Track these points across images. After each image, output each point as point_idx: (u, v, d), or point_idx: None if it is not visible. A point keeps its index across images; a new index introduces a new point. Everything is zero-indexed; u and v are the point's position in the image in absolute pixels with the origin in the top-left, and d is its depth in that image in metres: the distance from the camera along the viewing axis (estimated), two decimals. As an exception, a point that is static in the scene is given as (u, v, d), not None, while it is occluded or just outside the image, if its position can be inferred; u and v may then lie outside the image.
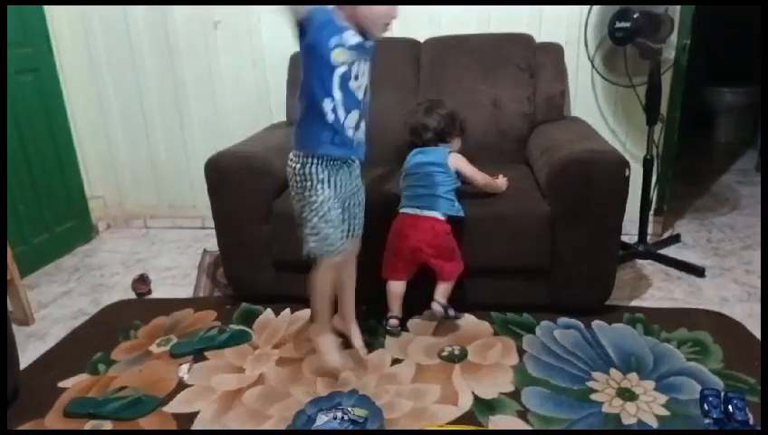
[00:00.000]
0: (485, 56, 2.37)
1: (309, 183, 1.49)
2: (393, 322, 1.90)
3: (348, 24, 1.41)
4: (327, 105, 1.42)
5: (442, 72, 2.39)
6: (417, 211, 1.88)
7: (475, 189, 1.94)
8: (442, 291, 1.87)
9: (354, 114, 1.47)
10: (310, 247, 1.54)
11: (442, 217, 1.86)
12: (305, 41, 1.39)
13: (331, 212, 1.50)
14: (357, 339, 1.77)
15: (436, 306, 1.85)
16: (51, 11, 2.71)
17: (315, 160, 1.49)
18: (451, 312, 1.85)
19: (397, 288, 1.92)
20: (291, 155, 1.55)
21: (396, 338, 1.88)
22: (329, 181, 1.49)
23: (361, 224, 1.67)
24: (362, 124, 1.52)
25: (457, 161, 1.94)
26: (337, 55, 1.38)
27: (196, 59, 2.74)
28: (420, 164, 1.94)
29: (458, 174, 1.92)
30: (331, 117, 1.43)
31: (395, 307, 1.92)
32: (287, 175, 1.57)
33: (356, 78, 1.44)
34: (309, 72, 1.42)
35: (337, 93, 1.42)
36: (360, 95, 1.48)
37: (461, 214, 1.87)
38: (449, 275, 1.87)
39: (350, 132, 1.49)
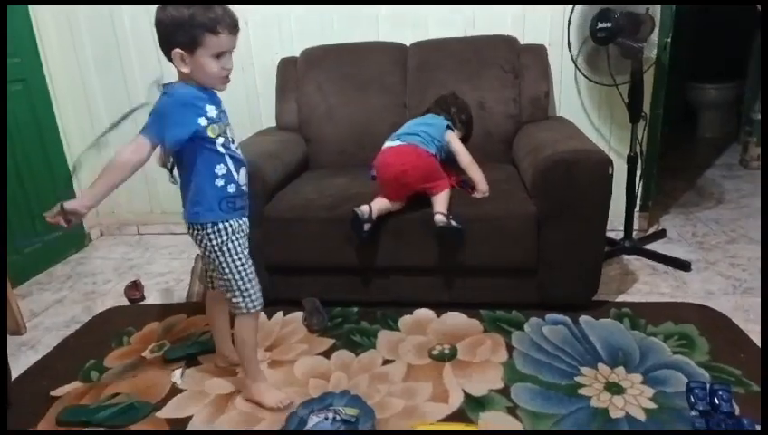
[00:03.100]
0: (471, 59, 2.40)
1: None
2: (364, 208, 1.87)
3: (205, 92, 1.43)
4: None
5: (428, 75, 2.41)
6: (398, 142, 2.00)
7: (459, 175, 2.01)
8: (439, 203, 1.91)
9: (242, 171, 1.53)
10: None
11: (423, 148, 1.96)
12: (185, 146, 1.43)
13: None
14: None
15: (438, 217, 1.87)
16: (38, 20, 2.72)
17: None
18: (453, 222, 1.86)
19: (383, 201, 1.92)
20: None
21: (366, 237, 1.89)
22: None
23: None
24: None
25: (451, 136, 2.08)
26: (210, 132, 1.43)
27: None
28: (415, 124, 2.08)
29: (447, 148, 2.06)
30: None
31: (374, 205, 1.90)
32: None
33: (232, 141, 1.50)
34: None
35: (226, 159, 1.48)
36: (240, 154, 1.53)
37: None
38: (439, 188, 1.93)
39: (244, 188, 1.55)
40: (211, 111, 1.42)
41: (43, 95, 2.76)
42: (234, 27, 1.37)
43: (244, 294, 1.52)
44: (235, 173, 1.48)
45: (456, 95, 2.28)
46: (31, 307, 2.34)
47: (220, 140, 1.44)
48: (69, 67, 2.86)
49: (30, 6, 2.66)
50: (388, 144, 2.05)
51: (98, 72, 2.87)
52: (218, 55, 1.36)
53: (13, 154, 2.54)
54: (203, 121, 1.40)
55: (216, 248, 1.49)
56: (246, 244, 1.54)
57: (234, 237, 1.50)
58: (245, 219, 1.55)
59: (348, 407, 1.55)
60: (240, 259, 1.51)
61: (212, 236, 1.48)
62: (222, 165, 1.46)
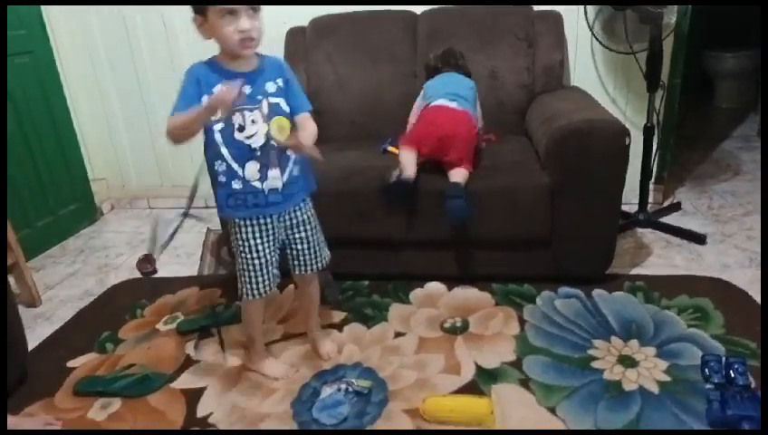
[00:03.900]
0: (483, 27, 2.34)
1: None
2: (410, 173, 1.82)
3: (222, 69, 1.35)
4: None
5: (439, 43, 2.35)
6: (454, 104, 1.94)
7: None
8: (459, 175, 1.82)
9: (251, 164, 1.38)
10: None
11: (473, 121, 1.96)
12: None
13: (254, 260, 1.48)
14: (321, 348, 1.71)
15: (455, 184, 1.79)
16: (43, -9, 2.68)
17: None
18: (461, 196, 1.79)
19: (412, 154, 1.87)
20: None
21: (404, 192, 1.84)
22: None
23: (313, 259, 1.57)
24: (273, 171, 1.41)
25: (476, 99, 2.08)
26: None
27: (193, 37, 2.70)
28: (458, 85, 2.05)
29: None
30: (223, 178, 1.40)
31: (411, 166, 1.85)
32: None
33: (241, 129, 1.35)
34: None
35: (223, 150, 1.37)
36: (255, 143, 1.37)
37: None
38: (464, 168, 1.85)
39: (256, 184, 1.40)
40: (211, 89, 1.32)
41: (51, 68, 2.74)
42: None
43: (243, 280, 1.50)
44: (237, 167, 1.37)
45: (449, 48, 2.21)
46: (45, 280, 2.36)
47: (218, 126, 1.35)
48: (75, 38, 2.83)
49: (34, -24, 2.62)
50: (444, 102, 1.95)
51: (105, 42, 2.83)
52: (230, 13, 1.26)
53: (21, 127, 2.53)
54: (204, 100, 1.30)
55: (232, 238, 1.49)
56: (264, 237, 1.46)
57: (247, 233, 1.44)
58: (268, 218, 1.44)
59: (360, 379, 1.56)
60: (245, 249, 1.45)
61: (230, 230, 1.48)
62: (220, 160, 1.37)
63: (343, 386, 1.53)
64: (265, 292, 1.51)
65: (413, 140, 1.92)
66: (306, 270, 1.58)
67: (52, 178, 2.70)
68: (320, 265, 1.60)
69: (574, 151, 1.80)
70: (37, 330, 1.98)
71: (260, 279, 1.49)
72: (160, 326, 1.94)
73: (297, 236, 1.52)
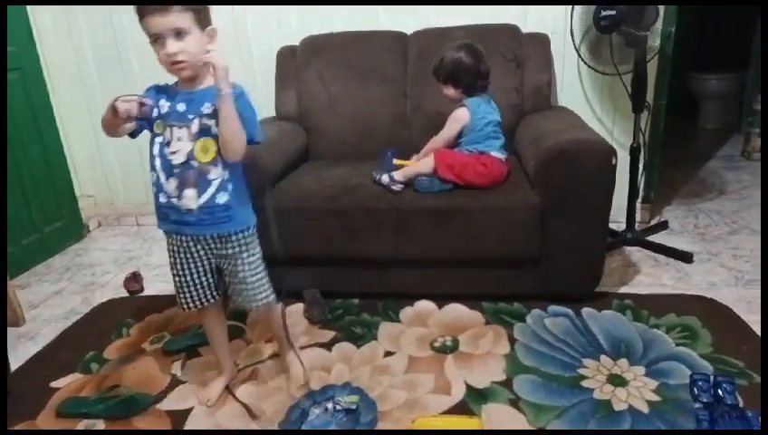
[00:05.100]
0: (472, 47, 2.37)
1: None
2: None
3: (171, 88, 1.41)
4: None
5: (429, 64, 2.37)
6: (505, 156, 2.04)
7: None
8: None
9: (171, 181, 1.38)
10: None
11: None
12: None
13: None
14: (291, 375, 1.67)
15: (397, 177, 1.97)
16: (33, 7, 2.68)
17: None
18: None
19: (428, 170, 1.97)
20: None
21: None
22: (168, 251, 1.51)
23: (246, 297, 1.51)
24: (188, 191, 1.37)
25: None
26: (156, 128, 1.39)
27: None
28: (496, 116, 2.08)
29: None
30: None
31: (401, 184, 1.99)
32: None
33: (168, 144, 1.37)
34: None
35: (156, 161, 1.39)
36: (176, 160, 1.36)
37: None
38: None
39: (173, 199, 1.39)
40: (163, 105, 1.38)
41: (40, 85, 2.74)
42: (157, 7, 1.26)
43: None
44: (163, 180, 1.37)
45: (450, 59, 2.04)
46: (29, 298, 2.32)
47: (158, 139, 1.38)
48: (65, 55, 2.83)
49: (25, -6, 2.62)
50: (501, 157, 2.02)
51: (95, 61, 2.84)
52: (155, 41, 1.30)
53: (10, 144, 2.52)
54: (156, 112, 1.37)
55: None
56: (183, 255, 1.47)
57: (171, 247, 1.48)
58: (186, 237, 1.44)
59: (348, 396, 1.55)
60: (170, 262, 1.51)
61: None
62: (153, 172, 1.39)
63: (330, 405, 1.51)
64: (188, 307, 1.54)
65: (457, 172, 1.93)
66: (243, 304, 1.55)
67: (39, 194, 2.67)
68: (255, 305, 1.53)
69: (562, 171, 1.81)
70: (20, 350, 1.94)
71: (180, 293, 1.53)
72: (146, 346, 1.92)
73: (226, 268, 1.50)
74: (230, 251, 1.46)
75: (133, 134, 1.43)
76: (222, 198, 1.40)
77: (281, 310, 1.67)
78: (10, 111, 2.52)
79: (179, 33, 1.29)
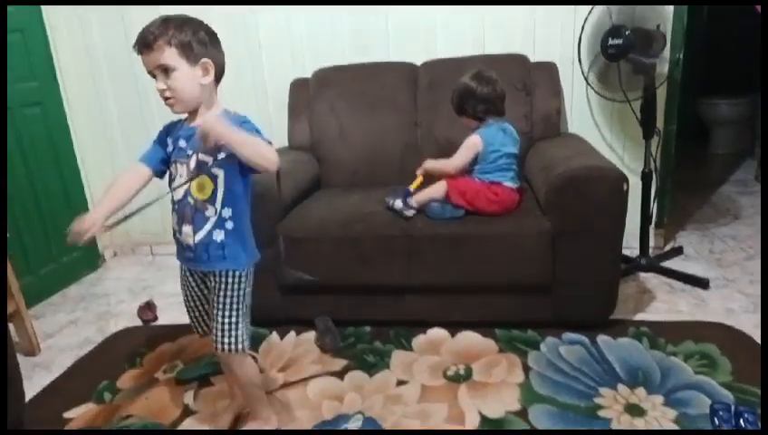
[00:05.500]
0: (482, 77, 2.40)
1: None
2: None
3: (168, 125, 1.47)
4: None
5: (439, 94, 2.42)
6: (517, 186, 2.04)
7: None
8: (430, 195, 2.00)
9: (174, 215, 1.41)
10: None
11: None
12: None
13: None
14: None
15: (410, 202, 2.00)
16: (56, 43, 2.76)
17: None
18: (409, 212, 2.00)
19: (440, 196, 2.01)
20: None
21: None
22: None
23: (216, 336, 1.43)
24: (185, 227, 1.37)
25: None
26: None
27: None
28: (513, 148, 2.07)
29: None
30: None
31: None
32: None
33: (173, 180, 1.41)
34: None
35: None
36: (176, 196, 1.38)
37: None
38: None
39: (177, 234, 1.42)
40: (169, 142, 1.41)
41: (60, 119, 2.81)
42: (142, 45, 1.29)
43: None
44: (171, 214, 1.41)
45: (458, 88, 2.08)
46: (45, 328, 2.34)
47: (170, 175, 1.42)
48: (86, 90, 2.91)
49: (48, 29, 2.71)
50: (513, 186, 2.02)
51: (115, 98, 2.92)
52: (152, 77, 1.34)
53: (30, 177, 2.58)
54: (169, 149, 1.41)
55: None
56: (186, 285, 1.51)
57: (180, 274, 1.52)
58: (185, 268, 1.48)
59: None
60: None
61: None
62: (171, 205, 1.41)
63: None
64: (196, 331, 1.57)
65: (468, 199, 1.96)
66: (215, 345, 1.44)
67: (57, 226, 2.72)
68: (220, 346, 1.42)
69: (573, 198, 1.81)
70: (35, 379, 1.95)
71: (190, 318, 1.56)
72: (159, 375, 1.92)
73: (210, 303, 1.47)
74: (211, 284, 1.44)
75: (160, 175, 1.45)
76: (219, 236, 1.36)
77: (248, 363, 1.54)
78: (30, 145, 2.59)
79: (166, 70, 1.30)
